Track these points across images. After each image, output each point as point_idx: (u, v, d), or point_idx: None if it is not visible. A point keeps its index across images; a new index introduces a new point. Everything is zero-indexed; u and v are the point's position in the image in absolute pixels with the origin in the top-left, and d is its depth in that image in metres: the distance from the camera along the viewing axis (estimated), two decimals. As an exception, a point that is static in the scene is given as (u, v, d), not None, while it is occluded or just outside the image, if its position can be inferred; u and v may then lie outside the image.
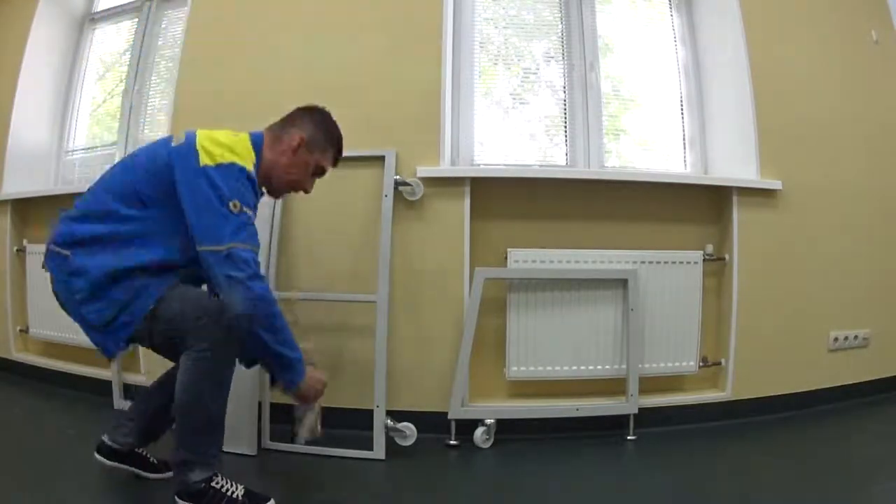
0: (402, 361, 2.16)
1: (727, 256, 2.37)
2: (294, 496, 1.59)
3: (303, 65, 2.32)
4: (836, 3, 2.65)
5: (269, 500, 1.48)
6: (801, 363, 2.46)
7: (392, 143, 2.19)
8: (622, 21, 2.66)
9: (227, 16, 2.43)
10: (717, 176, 2.52)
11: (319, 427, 1.66)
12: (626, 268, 2.20)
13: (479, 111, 2.48)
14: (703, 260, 2.31)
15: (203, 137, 1.43)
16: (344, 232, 2.20)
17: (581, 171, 2.44)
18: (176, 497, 1.49)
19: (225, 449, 1.61)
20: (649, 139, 2.66)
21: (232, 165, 1.39)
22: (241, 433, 1.93)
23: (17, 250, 2.88)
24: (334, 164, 1.67)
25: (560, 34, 2.58)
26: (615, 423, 2.17)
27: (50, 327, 2.71)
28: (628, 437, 2.14)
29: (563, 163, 2.53)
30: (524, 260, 2.18)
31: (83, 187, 2.76)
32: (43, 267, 1.48)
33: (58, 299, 1.48)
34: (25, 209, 2.92)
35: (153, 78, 2.83)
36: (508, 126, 2.55)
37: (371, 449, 1.95)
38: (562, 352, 2.18)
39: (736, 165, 2.46)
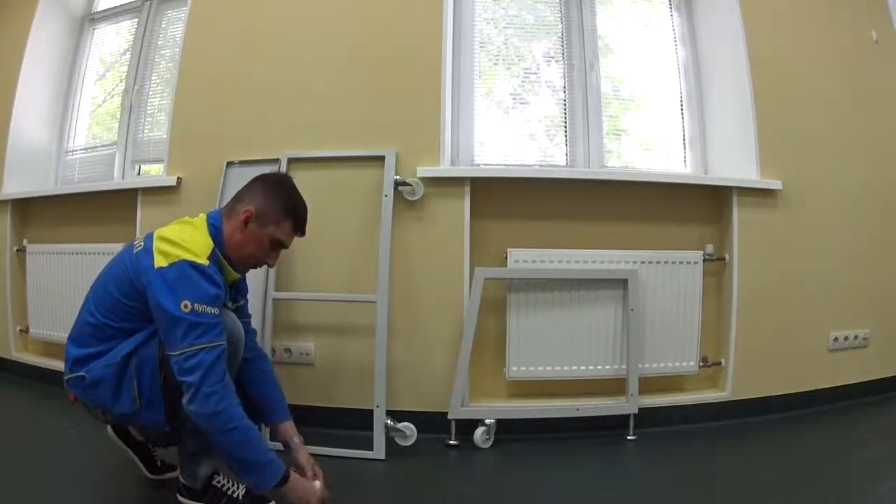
0: (402, 361, 2.16)
1: (727, 256, 2.37)
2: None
3: (303, 65, 2.32)
4: (835, 2, 2.65)
5: (269, 500, 1.48)
6: (801, 363, 2.46)
7: (392, 143, 2.19)
8: (622, 21, 2.66)
9: (226, 16, 2.44)
10: (717, 176, 2.51)
11: None
12: (626, 268, 2.20)
13: (479, 111, 2.48)
14: (703, 260, 2.31)
15: (157, 239, 1.41)
16: (344, 232, 2.20)
17: (581, 172, 2.44)
18: (178, 495, 1.49)
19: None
20: (649, 139, 2.66)
21: (181, 263, 1.35)
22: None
23: (17, 250, 2.88)
24: (299, 234, 1.56)
25: (560, 34, 2.58)
26: (615, 423, 2.17)
27: (50, 327, 2.72)
28: (628, 437, 2.14)
29: (563, 163, 2.53)
30: (524, 260, 2.18)
31: (83, 187, 2.81)
32: (71, 399, 1.49)
33: (99, 418, 1.51)
34: (25, 209, 2.92)
35: (153, 78, 2.83)
36: (508, 126, 2.54)
37: (371, 449, 1.95)
38: (562, 352, 2.18)
39: (736, 165, 2.46)
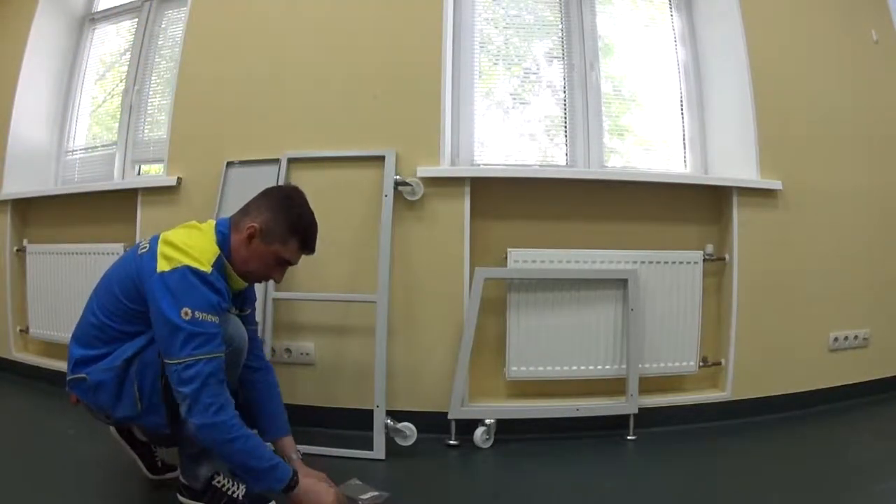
0: (403, 361, 2.16)
1: (727, 256, 2.37)
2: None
3: (303, 65, 2.32)
4: (835, 3, 2.65)
5: (269, 501, 1.48)
6: (801, 363, 2.46)
7: (392, 143, 2.19)
8: (622, 21, 2.66)
9: (226, 16, 2.44)
10: (717, 176, 2.51)
11: None
12: (626, 268, 2.20)
13: (479, 111, 2.48)
14: (703, 260, 2.31)
15: (162, 242, 1.40)
16: (344, 232, 2.20)
17: (581, 172, 2.44)
18: (178, 495, 1.49)
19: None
20: (649, 139, 2.66)
21: (184, 269, 1.33)
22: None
23: (17, 250, 2.88)
24: (307, 252, 1.52)
25: (560, 34, 2.58)
26: (615, 423, 2.17)
27: (50, 327, 2.72)
28: (628, 437, 2.14)
29: (564, 163, 2.53)
30: (524, 260, 2.18)
31: (83, 187, 2.81)
32: (73, 401, 1.49)
33: (101, 420, 1.51)
34: (25, 209, 2.92)
35: (153, 78, 2.83)
36: (509, 126, 2.54)
37: (371, 449, 1.95)
38: (562, 352, 2.18)
39: (736, 165, 2.46)
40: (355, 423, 2.07)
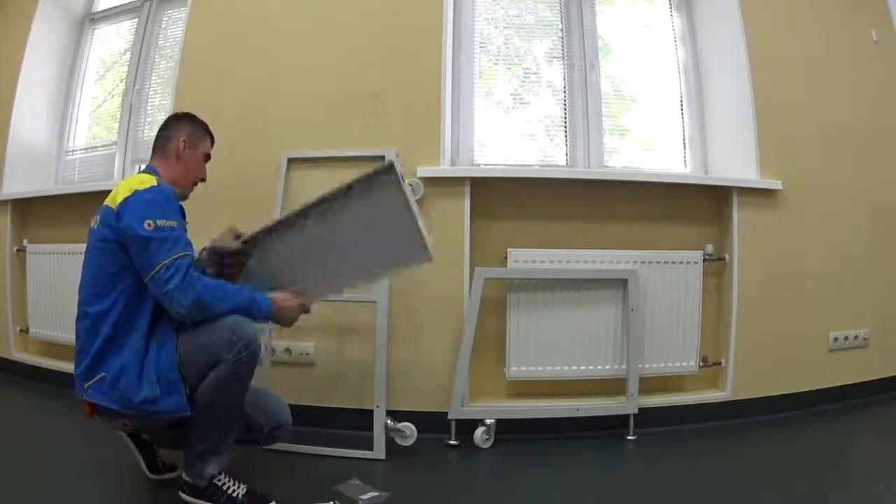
0: (403, 361, 2.16)
1: (727, 256, 2.37)
2: (294, 496, 1.58)
3: (303, 65, 2.32)
4: (835, 3, 2.65)
5: (270, 500, 1.49)
6: (801, 363, 2.46)
7: (392, 142, 2.19)
8: (622, 21, 2.66)
9: (227, 16, 2.44)
10: (718, 176, 2.52)
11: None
12: (626, 268, 2.20)
13: (479, 111, 2.48)
14: (703, 260, 2.31)
15: (107, 201, 1.52)
16: (344, 232, 2.20)
17: (581, 172, 2.44)
18: (180, 493, 1.50)
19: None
20: (649, 139, 2.66)
21: (134, 194, 1.47)
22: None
23: (17, 250, 2.88)
24: (212, 143, 1.78)
25: (560, 34, 2.58)
26: (615, 423, 2.17)
27: (50, 327, 2.72)
28: (628, 437, 2.14)
29: (563, 163, 2.53)
30: (524, 260, 2.18)
31: (83, 187, 2.81)
32: (88, 414, 1.50)
33: (118, 427, 1.56)
34: (25, 209, 2.92)
35: (153, 78, 2.83)
36: (509, 126, 2.54)
37: (371, 449, 1.95)
38: (562, 352, 2.18)
39: (736, 165, 2.46)
40: (355, 423, 2.07)
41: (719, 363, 2.38)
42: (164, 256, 1.42)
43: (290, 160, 2.24)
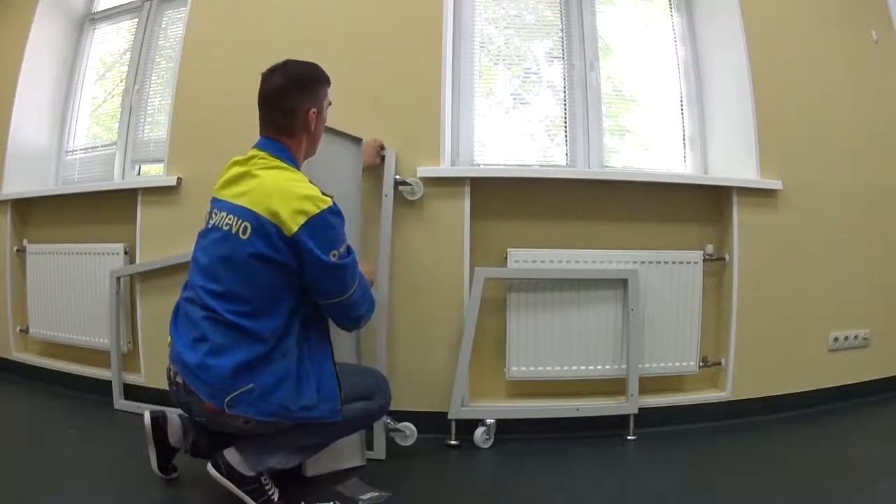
0: (402, 361, 2.16)
1: (727, 256, 2.37)
2: (294, 496, 1.58)
3: (303, 65, 2.32)
4: (835, 3, 2.65)
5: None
6: (801, 363, 2.46)
7: (392, 142, 2.19)
8: (622, 21, 2.65)
9: (227, 16, 2.43)
10: (718, 176, 2.52)
11: None
12: (626, 268, 2.20)
13: (479, 111, 2.48)
14: (703, 260, 2.31)
15: (263, 198, 1.45)
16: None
17: (581, 171, 2.44)
18: (213, 470, 1.48)
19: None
20: (649, 139, 2.66)
21: (317, 217, 1.42)
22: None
23: (17, 250, 2.88)
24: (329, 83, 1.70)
25: (560, 34, 2.58)
26: (615, 423, 2.17)
27: (50, 327, 2.72)
28: (628, 437, 2.14)
29: (564, 163, 2.53)
30: (524, 260, 2.18)
31: (83, 187, 2.81)
32: (198, 419, 1.52)
33: (271, 422, 1.47)
34: (25, 209, 2.92)
35: (153, 78, 2.83)
36: (509, 126, 2.54)
37: (371, 449, 1.95)
38: (562, 352, 2.18)
39: (736, 165, 2.46)
40: (355, 423, 2.07)
41: (719, 363, 2.38)
42: (351, 284, 1.47)
43: (290, 160, 2.24)
